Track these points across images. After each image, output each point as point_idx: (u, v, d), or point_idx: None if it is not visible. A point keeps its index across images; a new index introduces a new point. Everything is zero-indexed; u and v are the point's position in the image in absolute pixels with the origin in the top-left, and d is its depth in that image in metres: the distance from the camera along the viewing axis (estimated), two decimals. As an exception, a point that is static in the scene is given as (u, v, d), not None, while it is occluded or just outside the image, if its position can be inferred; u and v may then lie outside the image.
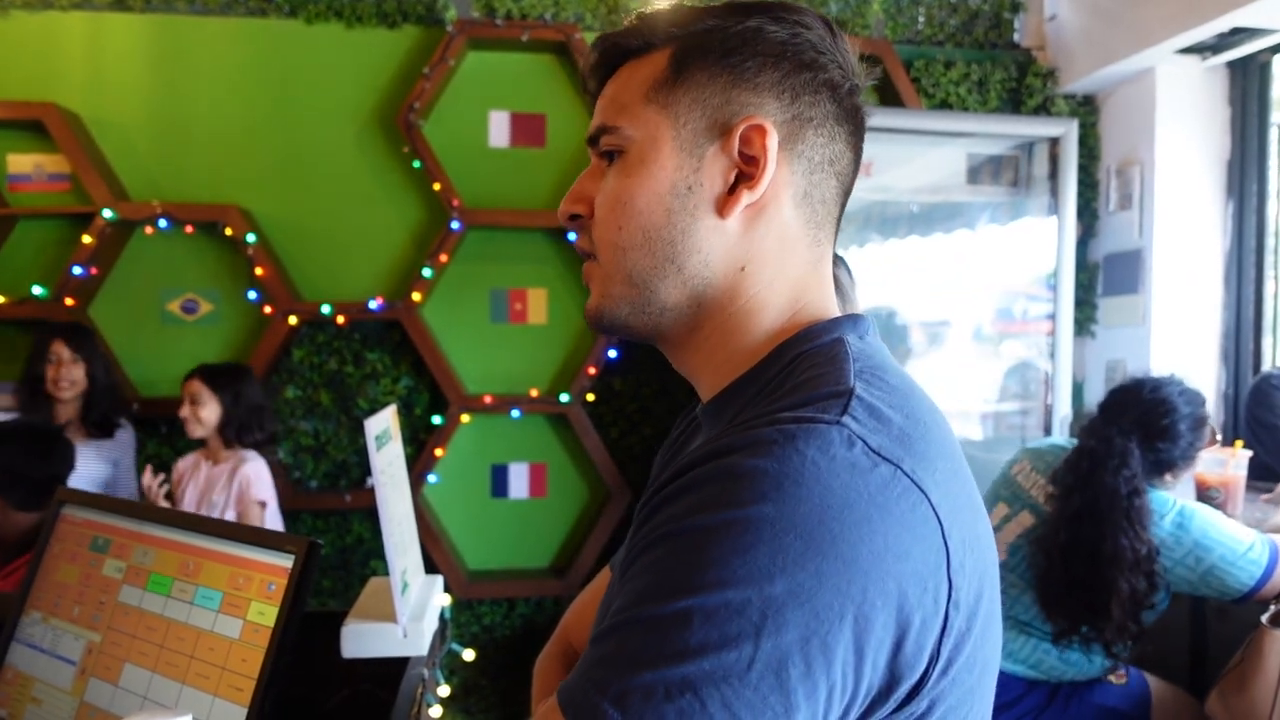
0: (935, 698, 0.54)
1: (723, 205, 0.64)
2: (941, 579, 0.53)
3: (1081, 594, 1.67)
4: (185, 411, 2.46)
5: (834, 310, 0.69)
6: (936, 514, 0.53)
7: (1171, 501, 1.72)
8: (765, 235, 0.65)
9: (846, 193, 0.70)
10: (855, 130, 0.68)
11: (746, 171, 0.63)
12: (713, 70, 0.64)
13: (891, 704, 0.52)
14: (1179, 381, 1.83)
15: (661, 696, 0.47)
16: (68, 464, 2.08)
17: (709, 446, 0.56)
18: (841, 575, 0.49)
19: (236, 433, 2.48)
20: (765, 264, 0.65)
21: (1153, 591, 1.66)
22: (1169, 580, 1.70)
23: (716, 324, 0.67)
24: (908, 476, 0.53)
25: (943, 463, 0.57)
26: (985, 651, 0.58)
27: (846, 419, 0.54)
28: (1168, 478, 1.80)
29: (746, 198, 0.63)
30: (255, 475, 2.46)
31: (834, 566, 0.49)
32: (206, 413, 2.46)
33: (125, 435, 2.63)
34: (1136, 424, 1.75)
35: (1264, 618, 1.63)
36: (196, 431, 2.47)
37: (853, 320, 0.67)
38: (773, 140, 0.63)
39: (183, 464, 2.57)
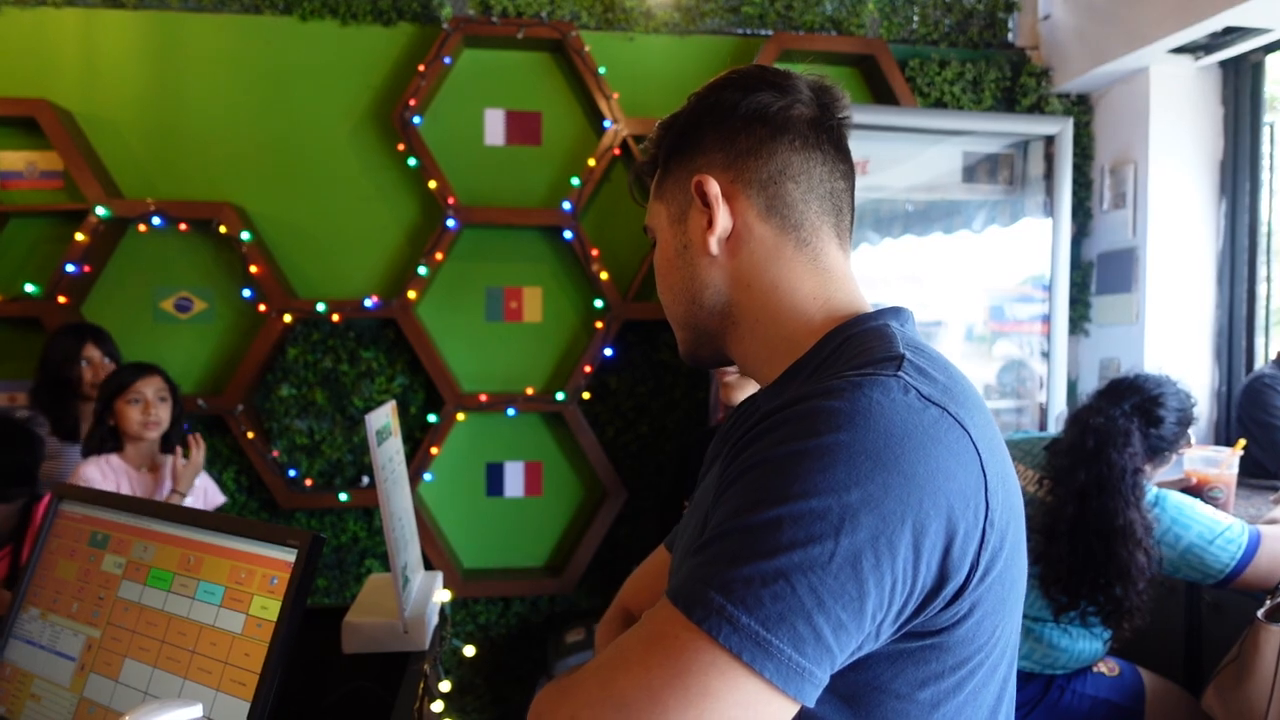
0: (975, 601, 0.64)
1: (703, 246, 0.80)
2: (980, 500, 0.63)
3: (1087, 569, 1.70)
4: (141, 414, 2.21)
5: (865, 301, 0.82)
6: (976, 448, 0.64)
7: (1146, 485, 1.78)
8: (751, 252, 0.80)
9: (824, 188, 0.81)
10: (799, 134, 0.79)
11: (711, 215, 0.79)
12: (681, 155, 0.83)
13: (941, 601, 0.63)
14: (1175, 382, 1.90)
15: (759, 583, 0.57)
16: (34, 453, 2.05)
17: (785, 398, 0.67)
18: (903, 488, 0.59)
19: (168, 435, 2.31)
20: (763, 274, 0.80)
21: (1152, 565, 1.70)
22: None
23: (750, 327, 0.82)
24: (953, 417, 0.64)
25: (979, 415, 0.69)
26: (1013, 573, 0.69)
27: (901, 373, 0.66)
28: (1147, 468, 1.84)
29: (715, 234, 0.79)
30: (211, 483, 2.43)
31: (897, 481, 0.59)
32: (165, 413, 2.26)
33: None
34: (1137, 409, 1.82)
35: (1260, 613, 1.64)
36: (152, 434, 2.25)
37: (895, 311, 0.80)
38: (712, 185, 0.79)
39: (92, 470, 2.18)
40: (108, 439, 2.24)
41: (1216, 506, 2.10)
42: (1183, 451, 1.93)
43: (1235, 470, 2.13)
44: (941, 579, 0.62)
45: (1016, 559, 0.69)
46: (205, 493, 2.41)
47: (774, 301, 0.80)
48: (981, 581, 0.64)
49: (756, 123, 0.79)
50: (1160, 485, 2.23)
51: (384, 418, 1.18)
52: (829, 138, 0.81)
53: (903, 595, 0.61)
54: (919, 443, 0.61)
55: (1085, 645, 1.85)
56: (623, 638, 0.63)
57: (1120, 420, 1.78)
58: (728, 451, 0.71)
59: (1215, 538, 1.71)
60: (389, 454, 1.19)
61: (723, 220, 0.79)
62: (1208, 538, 1.72)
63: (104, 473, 2.19)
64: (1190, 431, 1.89)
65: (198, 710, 0.71)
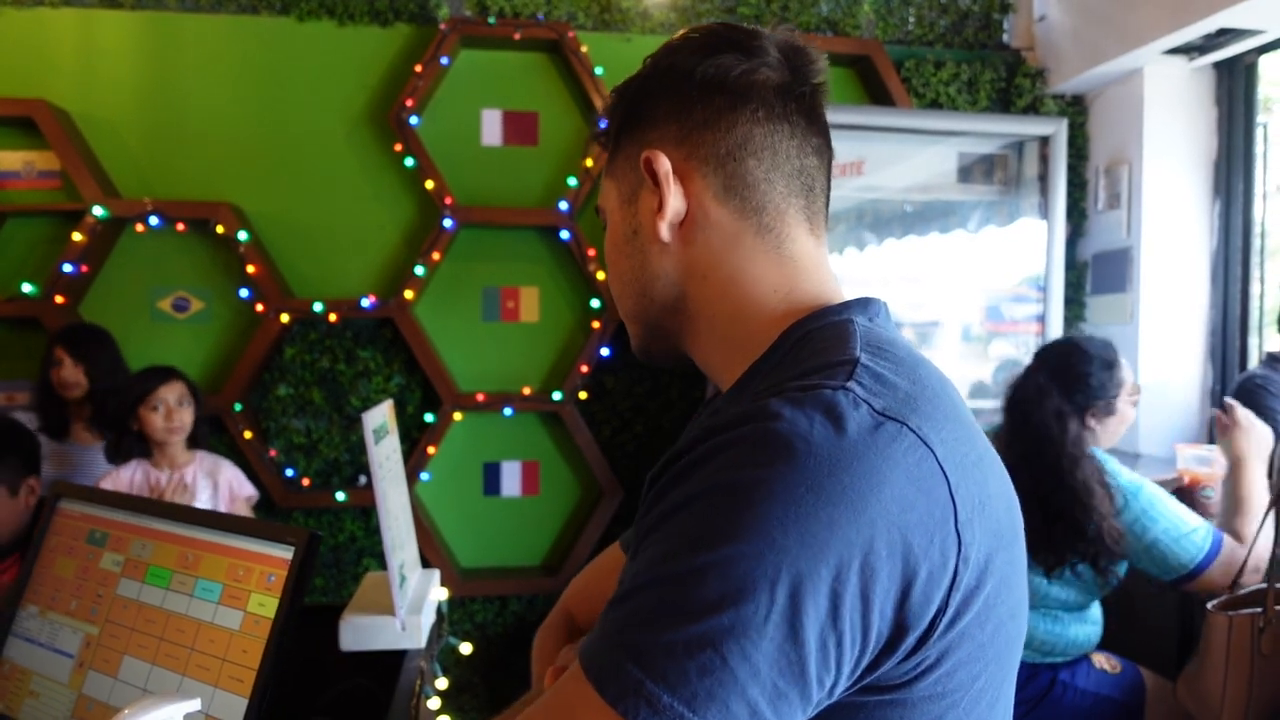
0: (944, 650, 0.55)
1: (654, 232, 0.71)
2: (949, 532, 0.54)
3: (1057, 526, 1.78)
4: (164, 420, 2.23)
5: (836, 293, 0.72)
6: (943, 469, 0.55)
7: (1118, 472, 1.85)
8: (707, 239, 0.70)
9: (791, 165, 0.71)
10: (764, 103, 0.69)
11: (662, 197, 0.70)
12: (632, 127, 0.74)
13: (900, 653, 0.54)
14: (1090, 337, 2.01)
15: (683, 653, 0.49)
16: (33, 445, 2.04)
17: (718, 419, 0.57)
18: (850, 525, 0.51)
19: (194, 435, 2.32)
20: (720, 263, 0.70)
21: (1111, 499, 1.78)
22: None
23: (707, 323, 0.73)
24: (914, 432, 0.55)
25: (952, 425, 0.58)
26: (1000, 612, 0.59)
27: (851, 384, 0.56)
28: (1091, 422, 1.91)
29: (666, 218, 0.70)
30: (239, 475, 2.44)
31: (844, 515, 0.51)
32: (188, 417, 2.27)
33: None
34: (1053, 374, 1.92)
35: (1210, 604, 1.68)
36: (176, 439, 2.27)
37: (863, 303, 0.70)
38: (663, 162, 0.69)
39: (125, 475, 2.27)
40: (134, 445, 2.27)
41: (1208, 504, 2.12)
42: (1134, 400, 2.00)
43: (1226, 468, 2.14)
44: (899, 629, 0.53)
45: (1006, 594, 0.59)
46: (231, 486, 2.40)
47: (733, 295, 0.70)
48: (952, 627, 0.55)
49: (714, 90, 0.69)
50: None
51: (381, 416, 1.18)
52: (799, 107, 0.71)
53: (853, 652, 0.52)
54: (870, 467, 0.52)
55: (1077, 630, 1.89)
56: (530, 711, 0.56)
57: (1037, 386, 1.89)
58: (656, 475, 0.61)
59: (1181, 536, 1.76)
60: (386, 452, 1.19)
61: (674, 202, 0.69)
62: (1174, 534, 1.77)
63: (135, 477, 2.26)
64: (1124, 373, 1.95)
65: (196, 704, 0.72)
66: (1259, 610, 1.61)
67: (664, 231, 0.70)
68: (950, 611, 0.54)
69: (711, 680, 0.49)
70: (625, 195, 0.74)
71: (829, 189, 0.76)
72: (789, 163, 0.70)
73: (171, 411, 2.25)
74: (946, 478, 0.55)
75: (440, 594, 1.37)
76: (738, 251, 0.70)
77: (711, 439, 0.56)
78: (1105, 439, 1.96)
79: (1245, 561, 1.73)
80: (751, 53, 0.69)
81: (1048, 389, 1.88)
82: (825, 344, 0.63)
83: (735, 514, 0.51)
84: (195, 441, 2.36)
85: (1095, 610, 1.96)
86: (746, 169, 0.69)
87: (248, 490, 2.46)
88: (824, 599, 0.50)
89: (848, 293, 0.74)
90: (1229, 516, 1.84)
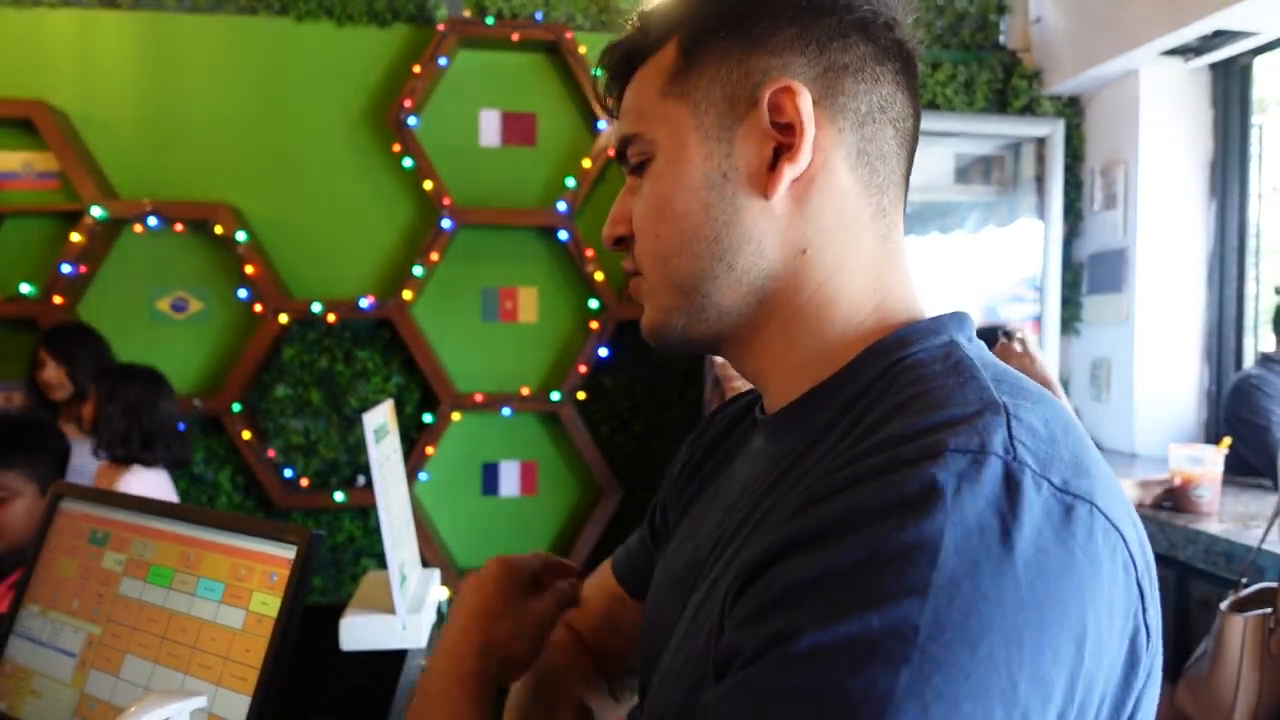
0: None
1: (765, 185, 0.56)
2: (1140, 626, 0.46)
3: None
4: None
5: (922, 303, 0.60)
6: (1130, 554, 0.46)
7: None
8: (822, 209, 0.57)
9: (909, 145, 0.61)
10: (904, 69, 0.59)
11: (785, 142, 0.55)
12: (725, 44, 0.57)
13: None
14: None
15: None
16: (63, 442, 2.03)
17: (821, 481, 0.47)
18: (1047, 657, 0.41)
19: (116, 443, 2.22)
20: (829, 243, 0.57)
21: None
22: None
23: (784, 320, 0.59)
24: (1103, 515, 0.45)
25: (1110, 477, 0.48)
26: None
27: (1019, 446, 0.44)
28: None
29: (789, 171, 0.55)
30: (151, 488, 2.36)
31: (1054, 639, 0.41)
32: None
33: None
34: None
35: (1223, 605, 1.67)
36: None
37: (958, 318, 0.58)
38: (805, 99, 0.54)
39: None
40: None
41: (1202, 504, 2.13)
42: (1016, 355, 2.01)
43: (1220, 468, 2.15)
44: None
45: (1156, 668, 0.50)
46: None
47: (830, 287, 0.57)
48: (1140, 706, 0.48)
49: (859, 32, 0.57)
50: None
51: (381, 417, 1.19)
52: (914, 79, 0.61)
53: None
54: (1076, 577, 0.42)
55: None
56: None
57: None
58: (760, 520, 0.52)
59: None
60: (386, 452, 1.20)
61: (806, 152, 0.55)
62: None
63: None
64: (1018, 334, 1.97)
65: (202, 700, 0.72)
66: (1269, 610, 1.59)
67: (782, 185, 0.55)
68: (1137, 697, 0.47)
69: None
70: (711, 128, 0.57)
71: None
72: (911, 141, 0.61)
73: None
74: (1134, 563, 0.46)
75: (441, 593, 1.38)
76: (851, 233, 0.57)
77: (831, 523, 0.44)
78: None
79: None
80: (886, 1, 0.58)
81: None
82: (942, 381, 0.50)
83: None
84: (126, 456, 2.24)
85: None
86: (885, 136, 0.58)
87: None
88: None
89: None
90: None
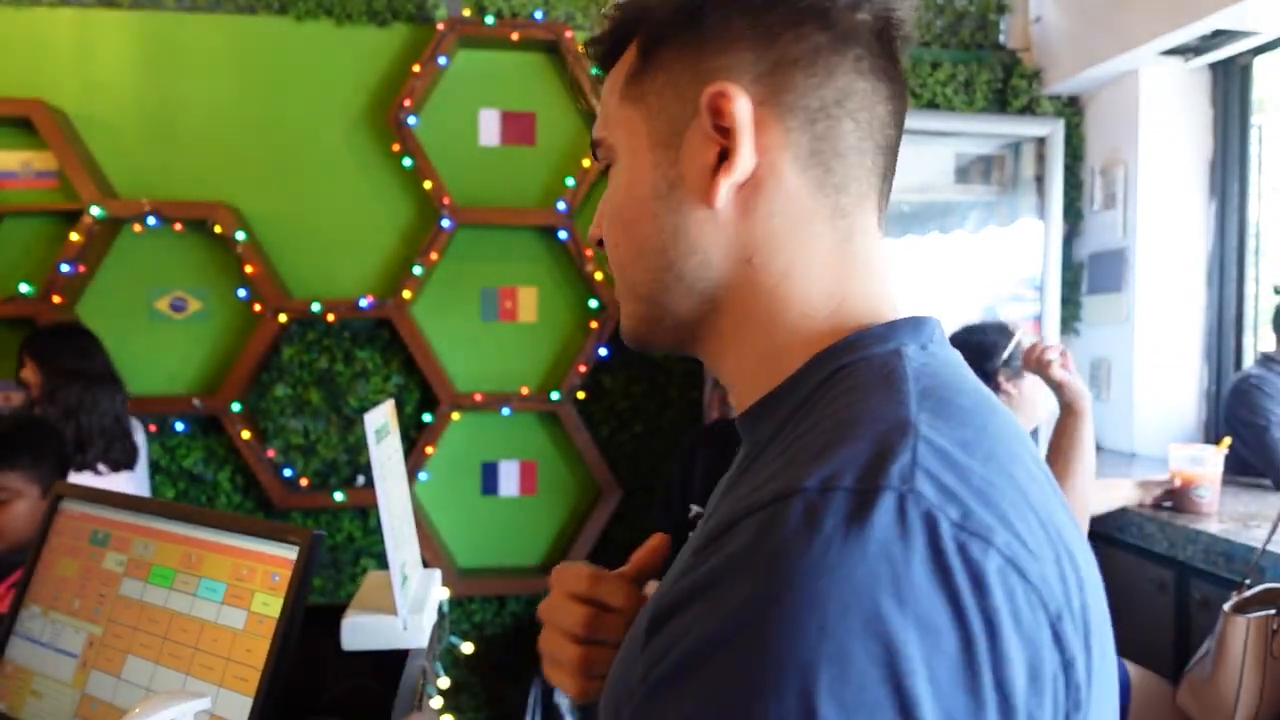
0: None
1: (707, 192, 0.54)
2: (1060, 686, 0.43)
3: None
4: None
5: (890, 307, 0.57)
6: (1044, 604, 0.43)
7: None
8: (770, 214, 0.54)
9: (880, 136, 0.56)
10: (871, 50, 0.55)
11: (727, 147, 0.53)
12: (680, 42, 0.55)
13: None
14: (981, 321, 2.16)
15: None
16: (65, 445, 2.03)
17: (742, 500, 0.46)
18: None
19: None
20: (778, 249, 0.55)
21: None
22: None
23: (738, 327, 0.57)
24: (1008, 562, 0.41)
25: (1030, 511, 0.45)
26: (1103, 665, 0.48)
27: (918, 475, 0.42)
28: (1005, 385, 2.04)
29: (726, 179, 0.53)
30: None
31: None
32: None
33: (140, 430, 2.57)
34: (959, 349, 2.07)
35: (1226, 606, 1.67)
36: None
37: (914, 325, 0.55)
38: (741, 103, 0.52)
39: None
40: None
41: (1202, 504, 2.13)
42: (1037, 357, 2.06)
43: (1219, 468, 2.15)
44: None
45: (1103, 682, 0.47)
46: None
47: (781, 293, 0.55)
48: None
49: (812, 20, 0.53)
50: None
51: (383, 417, 1.19)
52: (893, 64, 0.56)
53: None
54: (956, 630, 0.39)
55: None
56: None
57: None
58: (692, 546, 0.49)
59: None
60: (387, 453, 1.20)
61: (745, 158, 0.53)
62: None
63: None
64: (1016, 333, 2.07)
65: (206, 702, 0.72)
66: (1272, 611, 1.60)
67: (722, 193, 0.53)
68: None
69: None
70: (661, 134, 0.56)
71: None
72: (881, 133, 0.56)
73: None
74: (1042, 602, 0.42)
75: (442, 594, 1.38)
76: (803, 237, 0.55)
77: (721, 551, 0.43)
78: (1027, 405, 2.05)
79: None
80: None
81: None
82: (866, 394, 0.48)
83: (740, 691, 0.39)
84: None
85: None
86: (841, 132, 0.54)
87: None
88: None
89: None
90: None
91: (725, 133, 0.53)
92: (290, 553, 0.94)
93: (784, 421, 0.52)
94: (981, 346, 2.08)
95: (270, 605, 0.92)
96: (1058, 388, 1.88)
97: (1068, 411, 1.87)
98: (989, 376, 2.07)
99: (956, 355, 0.57)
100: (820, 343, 0.54)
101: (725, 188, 0.53)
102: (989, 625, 0.39)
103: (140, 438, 2.54)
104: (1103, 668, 0.48)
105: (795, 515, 0.41)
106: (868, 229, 0.57)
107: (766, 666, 0.38)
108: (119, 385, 2.46)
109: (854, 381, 0.50)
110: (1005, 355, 2.06)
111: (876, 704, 0.37)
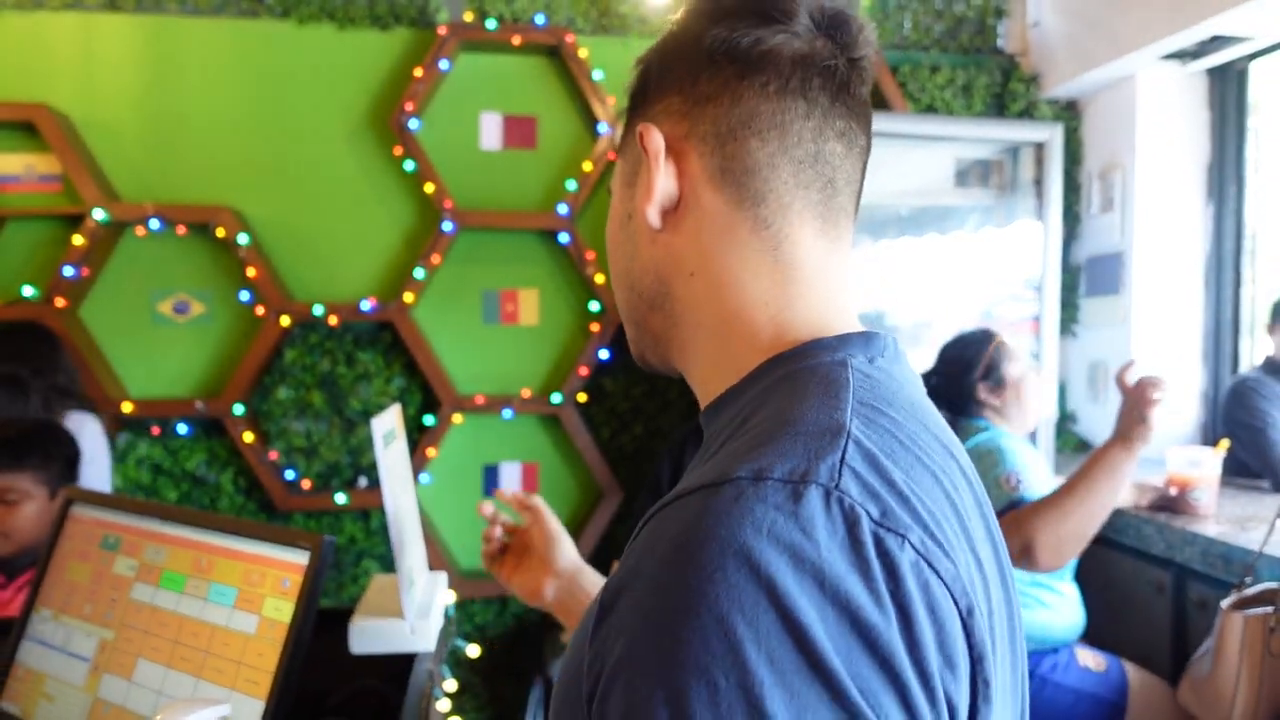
0: None
1: (644, 216, 0.62)
2: (967, 681, 0.46)
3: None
4: None
5: (841, 317, 0.62)
6: (953, 596, 0.46)
7: (984, 421, 2.09)
8: (698, 231, 0.61)
9: (804, 150, 0.60)
10: (780, 76, 0.59)
11: (650, 175, 0.62)
12: (640, 102, 0.66)
13: None
14: (960, 332, 2.24)
15: None
16: (74, 447, 2.01)
17: (674, 490, 0.50)
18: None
19: None
20: (709, 260, 0.61)
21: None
22: None
23: (694, 335, 0.64)
24: (916, 551, 0.45)
25: (944, 506, 0.50)
26: (1009, 672, 0.52)
27: (845, 474, 0.45)
28: (986, 398, 2.09)
29: (646, 203, 0.61)
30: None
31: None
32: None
33: (93, 427, 2.50)
34: (940, 372, 2.18)
35: (1224, 603, 1.68)
36: None
37: (865, 339, 0.59)
38: (654, 137, 0.61)
39: None
40: None
41: (1199, 506, 2.14)
42: (1034, 374, 2.15)
43: (1217, 471, 2.17)
44: None
45: (998, 625, 0.51)
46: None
47: (720, 300, 0.61)
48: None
49: (723, 58, 0.60)
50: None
51: (390, 422, 1.20)
52: (824, 83, 0.60)
53: None
54: (868, 622, 0.42)
55: (1045, 617, 1.90)
56: None
57: (931, 381, 2.12)
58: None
59: (1014, 469, 1.87)
60: (395, 457, 1.21)
61: (663, 182, 0.61)
62: (1010, 464, 1.88)
63: None
64: (997, 339, 2.13)
65: (226, 709, 0.73)
66: (1270, 609, 1.61)
67: (651, 216, 0.61)
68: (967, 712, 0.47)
69: None
70: (626, 174, 0.66)
71: (860, 183, 0.66)
72: (800, 147, 0.60)
73: None
74: (953, 596, 0.46)
75: (448, 597, 1.39)
76: (728, 248, 0.60)
77: (648, 534, 0.47)
78: (1019, 410, 2.09)
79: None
80: (774, 18, 0.60)
81: (937, 382, 2.12)
82: (808, 397, 0.52)
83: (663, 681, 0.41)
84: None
85: (1069, 595, 1.97)
86: (747, 149, 0.59)
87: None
88: None
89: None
90: (1059, 493, 1.77)
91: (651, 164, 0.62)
92: (301, 558, 0.95)
93: (731, 420, 0.57)
94: (963, 359, 2.12)
95: (282, 610, 0.93)
96: (1139, 420, 1.73)
97: (1121, 442, 1.75)
98: (971, 390, 2.10)
99: (909, 373, 0.62)
100: (770, 349, 0.59)
101: (651, 211, 0.61)
102: (902, 611, 0.43)
103: (91, 443, 2.36)
104: (1008, 674, 0.52)
105: (725, 499, 0.44)
106: (801, 238, 0.61)
107: (693, 644, 0.41)
108: (42, 387, 2.33)
109: (798, 386, 0.54)
110: (982, 368, 2.09)
111: (795, 669, 0.40)
